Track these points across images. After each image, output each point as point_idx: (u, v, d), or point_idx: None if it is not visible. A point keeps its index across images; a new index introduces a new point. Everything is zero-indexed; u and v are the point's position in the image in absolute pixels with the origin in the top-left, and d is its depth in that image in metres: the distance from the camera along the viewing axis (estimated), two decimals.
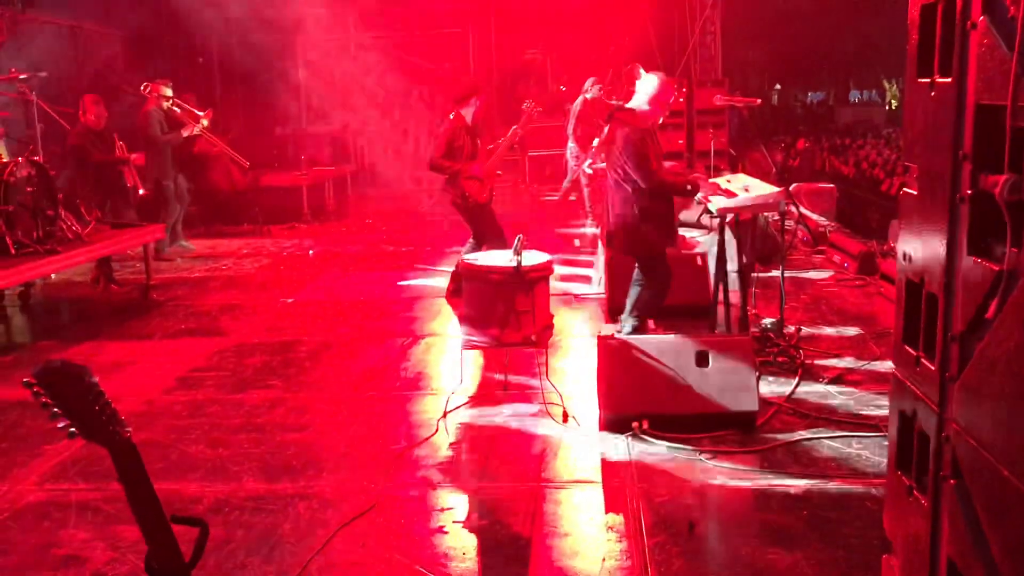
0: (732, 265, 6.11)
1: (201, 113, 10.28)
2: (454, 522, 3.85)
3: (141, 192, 9.24)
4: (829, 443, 4.55)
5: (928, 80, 2.16)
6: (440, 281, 8.31)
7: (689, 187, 5.79)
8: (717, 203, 5.64)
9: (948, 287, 2.06)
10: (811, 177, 13.91)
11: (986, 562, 1.87)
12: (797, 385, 5.36)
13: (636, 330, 5.77)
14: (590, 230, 10.65)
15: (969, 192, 1.97)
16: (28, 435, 4.89)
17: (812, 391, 5.29)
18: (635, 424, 4.67)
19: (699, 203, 6.11)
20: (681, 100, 12.71)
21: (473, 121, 7.42)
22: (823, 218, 10.76)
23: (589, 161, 10.10)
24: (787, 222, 6.81)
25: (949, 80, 2.04)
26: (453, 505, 4.02)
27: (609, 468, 4.37)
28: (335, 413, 5.20)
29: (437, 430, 4.84)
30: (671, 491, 4.07)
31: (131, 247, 8.45)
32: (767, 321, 6.15)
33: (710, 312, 6.24)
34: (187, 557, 1.98)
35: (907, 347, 2.33)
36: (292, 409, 5.26)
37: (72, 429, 1.78)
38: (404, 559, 3.53)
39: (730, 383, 4.72)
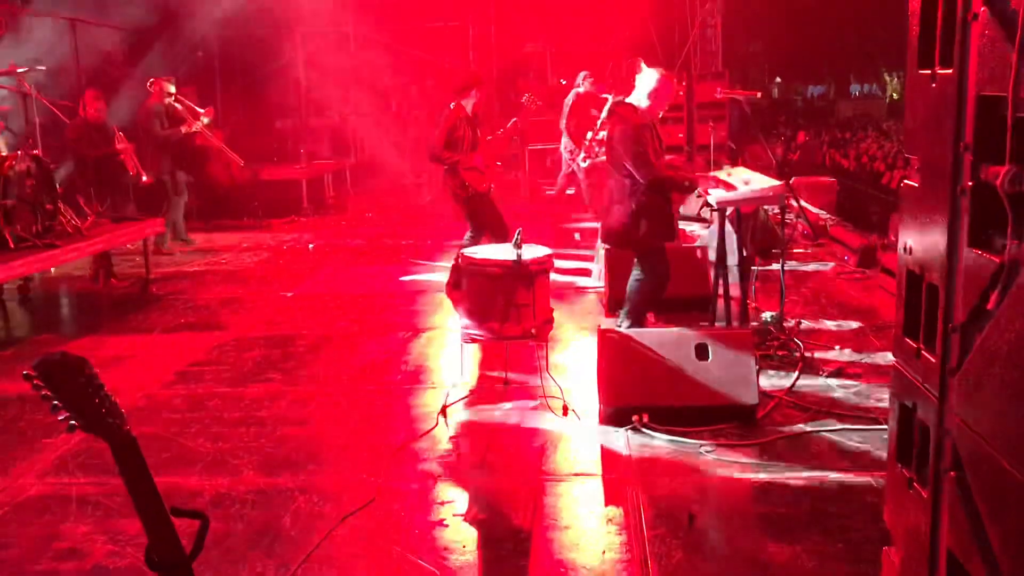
0: (732, 258, 6.10)
1: (202, 111, 10.29)
2: (454, 515, 3.85)
3: (144, 179, 9.25)
4: (829, 436, 4.55)
5: (929, 71, 2.16)
6: (440, 275, 8.31)
7: (687, 183, 5.79)
8: (717, 196, 5.64)
9: (949, 279, 2.05)
10: (811, 171, 13.91)
11: (986, 554, 1.87)
12: (797, 378, 5.36)
13: (635, 324, 5.77)
14: (590, 224, 10.64)
15: (970, 184, 1.97)
16: (28, 429, 4.90)
17: (812, 384, 5.29)
18: (635, 417, 4.67)
19: (699, 196, 6.11)
20: (681, 94, 12.69)
21: (473, 112, 7.42)
22: (823, 211, 10.75)
23: (583, 155, 10.10)
24: (787, 215, 6.80)
25: (950, 71, 2.04)
26: (453, 498, 4.02)
27: (609, 461, 4.37)
28: (335, 407, 5.20)
29: (437, 424, 4.84)
30: (671, 484, 4.07)
31: (131, 241, 8.44)
32: (767, 314, 6.15)
33: (710, 305, 6.24)
34: (188, 550, 1.97)
35: (908, 339, 2.33)
36: (292, 403, 5.26)
37: (72, 422, 1.77)
38: (404, 552, 3.53)
39: (730, 376, 4.72)
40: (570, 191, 11.83)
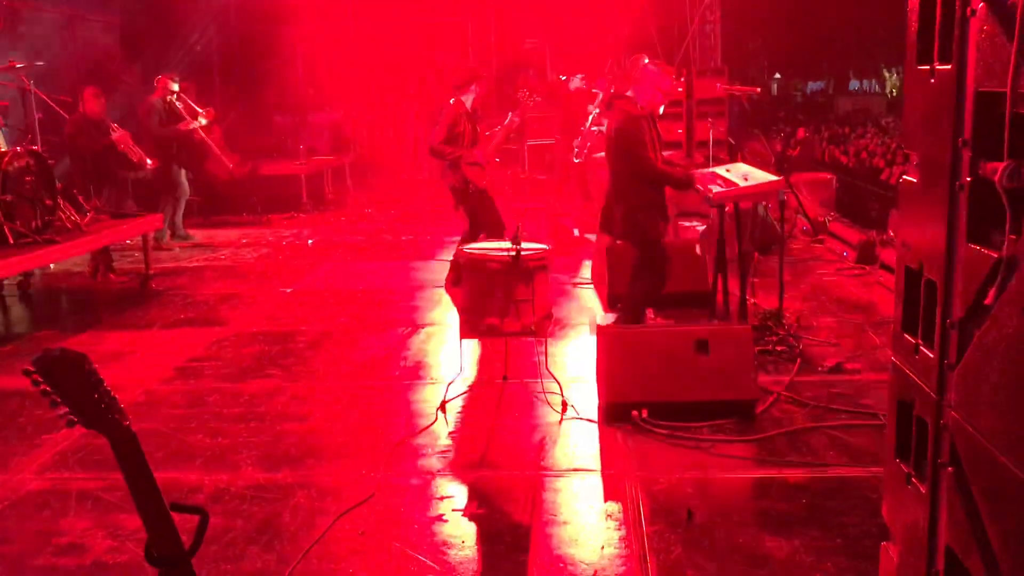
0: (731, 254, 6.11)
1: (201, 111, 10.33)
2: (453, 510, 3.86)
3: (149, 163, 9.27)
4: (828, 431, 4.56)
5: (928, 67, 2.16)
6: (439, 271, 8.30)
7: (685, 178, 5.79)
8: (715, 191, 5.64)
9: (947, 274, 2.06)
10: (811, 166, 13.89)
11: (984, 549, 1.88)
12: (796, 374, 5.37)
13: (634, 320, 5.77)
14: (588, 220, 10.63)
15: (969, 179, 1.97)
16: (28, 424, 4.90)
17: (811, 380, 5.29)
18: (634, 412, 4.68)
19: (698, 192, 6.11)
20: (680, 89, 12.67)
21: (473, 107, 7.42)
22: (822, 207, 10.74)
23: (575, 151, 10.10)
24: (786, 211, 6.80)
25: (949, 67, 2.04)
26: (452, 493, 4.03)
27: (608, 456, 4.38)
28: (334, 402, 5.21)
29: (436, 419, 4.84)
30: (670, 479, 4.08)
31: (130, 237, 8.44)
32: (766, 310, 6.15)
33: (709, 301, 6.24)
34: (187, 545, 1.98)
35: (906, 335, 2.33)
36: (291, 398, 5.26)
37: (72, 417, 1.78)
38: (403, 547, 3.54)
39: (729, 372, 4.73)
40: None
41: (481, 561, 3.48)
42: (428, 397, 5.20)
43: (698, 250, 6.98)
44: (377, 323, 6.86)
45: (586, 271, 8.28)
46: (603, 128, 9.14)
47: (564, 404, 4.94)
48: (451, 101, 7.38)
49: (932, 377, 2.14)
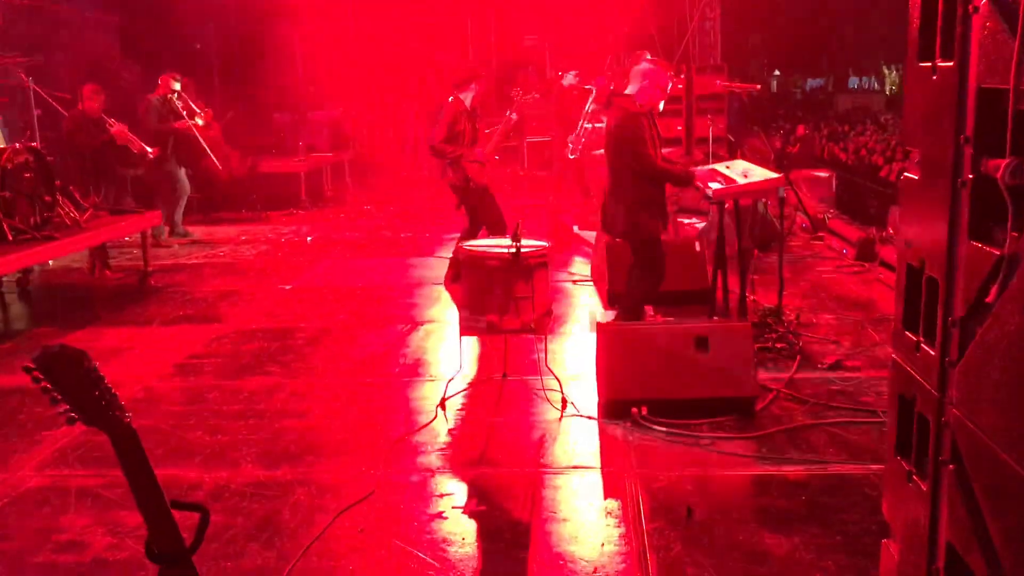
0: (731, 251, 6.11)
1: (199, 112, 10.36)
2: (453, 508, 3.86)
3: (151, 152, 9.28)
4: (828, 429, 4.56)
5: (929, 64, 2.15)
6: (438, 268, 8.30)
7: (684, 175, 5.78)
8: (715, 188, 5.63)
9: (949, 272, 2.05)
10: (810, 163, 13.88)
11: (986, 546, 1.87)
12: (796, 371, 5.37)
13: (634, 317, 5.77)
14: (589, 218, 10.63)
15: (970, 176, 1.96)
16: (27, 422, 4.89)
17: (811, 377, 5.29)
18: (634, 410, 4.67)
19: (698, 189, 6.10)
20: (680, 86, 12.66)
21: (472, 106, 7.42)
22: (822, 204, 10.75)
23: (570, 147, 10.11)
24: (786, 208, 6.79)
25: (951, 64, 2.03)
26: (452, 491, 4.03)
27: (608, 454, 4.38)
28: (334, 399, 5.20)
29: (436, 416, 4.84)
30: (670, 476, 4.08)
31: (129, 234, 8.44)
32: (766, 307, 6.15)
33: (709, 298, 6.24)
34: (187, 543, 1.98)
35: (907, 332, 2.33)
36: (291, 395, 5.26)
37: (72, 414, 1.77)
38: (403, 544, 3.54)
39: (729, 369, 4.73)
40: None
41: (481, 558, 3.48)
42: (427, 394, 5.20)
43: (697, 247, 6.98)
44: (376, 320, 6.86)
45: (586, 268, 8.27)
46: (601, 125, 9.15)
47: (564, 401, 4.94)
48: (450, 99, 7.38)
49: (933, 374, 2.14)
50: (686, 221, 9.03)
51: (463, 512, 3.83)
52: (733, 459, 4.27)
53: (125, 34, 13.02)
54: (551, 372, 5.13)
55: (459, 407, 5.02)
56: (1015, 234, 1.80)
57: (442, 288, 7.71)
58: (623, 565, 3.37)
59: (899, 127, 16.40)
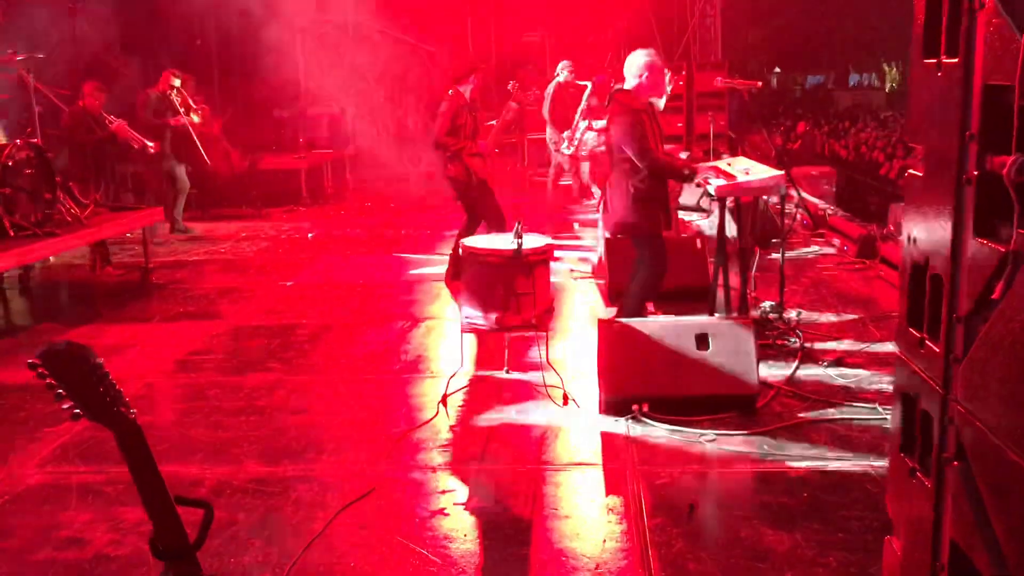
0: (732, 248, 6.10)
1: (196, 108, 10.38)
2: (455, 504, 3.86)
3: (151, 147, 9.28)
4: (829, 425, 4.56)
5: (934, 60, 2.15)
6: (439, 264, 8.30)
7: (687, 171, 5.77)
8: (717, 185, 5.63)
9: (954, 269, 2.05)
10: (811, 160, 13.89)
11: (990, 543, 1.87)
12: (797, 368, 5.37)
13: (635, 313, 5.76)
14: (588, 214, 10.63)
15: (976, 173, 1.96)
16: (28, 418, 4.89)
17: (812, 374, 5.30)
18: (635, 407, 4.67)
19: (699, 186, 6.10)
20: (681, 83, 12.66)
21: (471, 98, 7.41)
22: (822, 201, 10.75)
23: (566, 143, 10.11)
24: (787, 205, 6.79)
25: (956, 60, 2.03)
26: (453, 487, 4.03)
27: (609, 450, 4.38)
28: (335, 396, 5.20)
29: (437, 413, 4.84)
30: (671, 473, 4.08)
31: (130, 230, 8.43)
32: (767, 304, 6.15)
33: (710, 295, 6.23)
34: (191, 539, 1.98)
35: (911, 329, 2.33)
36: (292, 392, 5.26)
37: (77, 410, 1.77)
38: (405, 541, 3.54)
39: (730, 366, 4.72)
40: (564, 181, 11.81)
41: (482, 555, 3.47)
42: (429, 391, 5.20)
43: (699, 244, 6.98)
44: (377, 317, 6.86)
45: (586, 265, 8.27)
46: (601, 122, 9.15)
47: (565, 398, 4.94)
48: (450, 93, 7.38)
49: (938, 371, 2.14)
50: (687, 219, 9.02)
51: (464, 509, 3.83)
52: (734, 456, 4.27)
53: (125, 30, 12.99)
54: (552, 369, 5.13)
55: (460, 404, 5.02)
56: (1021, 231, 1.79)
57: (442, 285, 7.71)
58: (625, 562, 3.37)
59: (900, 124, 16.41)
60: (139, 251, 8.64)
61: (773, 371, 5.31)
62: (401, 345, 6.12)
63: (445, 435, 4.60)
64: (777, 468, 4.12)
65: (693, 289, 6.56)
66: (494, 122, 7.93)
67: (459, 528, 3.65)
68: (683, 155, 8.93)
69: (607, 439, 4.50)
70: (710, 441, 4.41)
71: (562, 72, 11.17)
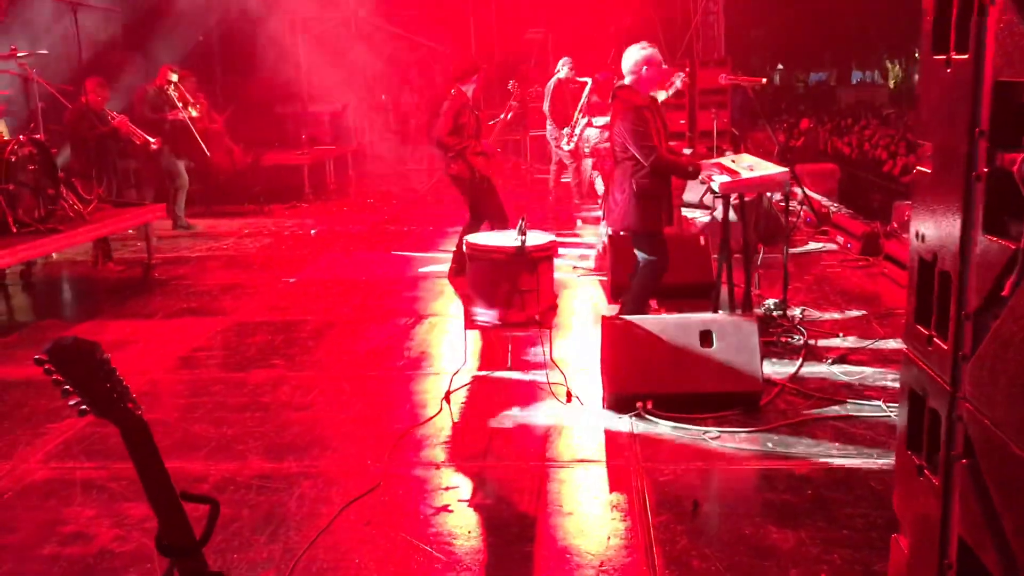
0: (736, 245, 6.09)
1: (193, 102, 10.38)
2: (459, 501, 3.85)
3: (153, 142, 9.29)
4: (833, 423, 4.56)
5: (944, 57, 2.14)
6: (442, 261, 8.30)
7: (691, 168, 5.76)
8: (721, 182, 5.62)
9: (963, 265, 2.04)
10: (814, 157, 13.88)
11: (999, 540, 1.87)
12: (801, 365, 5.36)
13: (638, 310, 5.76)
14: (591, 211, 10.63)
15: (986, 170, 1.95)
16: (32, 414, 4.89)
17: (816, 371, 5.29)
18: (639, 404, 4.67)
19: (703, 183, 6.09)
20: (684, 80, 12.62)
21: (474, 97, 7.41)
22: (825, 198, 10.73)
23: (565, 139, 10.10)
24: (791, 202, 6.78)
25: (966, 57, 2.02)
26: (457, 484, 4.02)
27: (613, 447, 4.38)
28: (339, 392, 5.20)
29: (440, 410, 4.84)
30: (675, 470, 4.08)
31: (132, 226, 8.43)
32: (770, 301, 6.14)
33: (713, 292, 6.23)
34: (196, 535, 1.97)
35: (919, 326, 2.32)
36: (295, 388, 5.26)
37: (83, 407, 1.77)
38: (409, 538, 3.54)
39: (734, 363, 4.72)
40: (565, 179, 11.80)
41: (487, 552, 3.47)
42: (432, 387, 5.20)
43: (702, 241, 6.97)
44: (380, 313, 6.86)
45: (590, 261, 8.26)
46: (604, 119, 9.14)
47: (568, 395, 4.94)
48: (452, 92, 7.37)
49: (946, 369, 2.13)
50: (691, 215, 9.01)
51: (468, 505, 3.83)
52: (739, 453, 4.26)
53: (128, 26, 12.99)
54: (556, 366, 5.12)
55: (464, 400, 5.02)
56: None
57: (445, 281, 7.71)
58: (629, 559, 3.37)
59: (903, 121, 16.38)
60: (141, 247, 8.64)
61: (777, 368, 5.31)
62: (404, 342, 6.12)
63: (448, 432, 4.60)
64: (781, 465, 4.11)
65: (696, 286, 6.55)
66: (499, 118, 7.92)
67: (463, 525, 3.65)
68: (686, 151, 8.92)
69: (611, 436, 4.50)
70: (714, 438, 4.40)
71: (562, 68, 11.17)
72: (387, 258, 8.87)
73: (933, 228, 2.21)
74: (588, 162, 11.06)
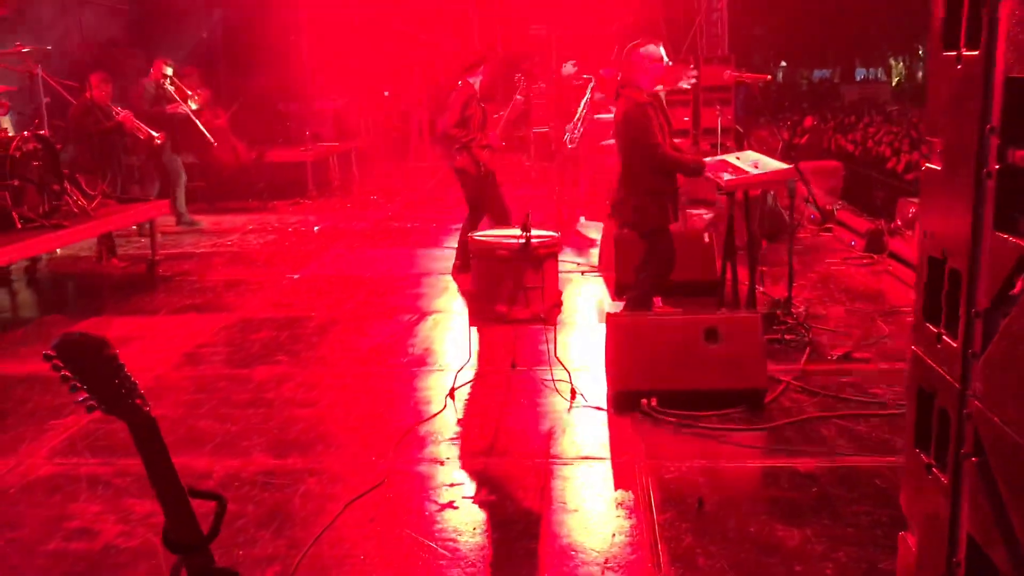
0: (740, 242, 6.09)
1: (192, 94, 10.36)
2: (463, 498, 3.85)
3: (158, 137, 9.29)
4: (837, 420, 4.55)
5: (954, 53, 2.13)
6: (446, 257, 8.29)
7: (695, 165, 5.75)
8: (726, 179, 5.61)
9: (973, 263, 2.03)
10: (817, 155, 13.85)
11: (1008, 538, 1.86)
12: (805, 363, 5.35)
13: (642, 307, 5.75)
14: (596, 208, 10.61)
15: (996, 167, 1.94)
16: (36, 410, 4.89)
17: (821, 369, 5.28)
18: (644, 401, 4.66)
19: (708, 179, 6.08)
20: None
21: (480, 90, 7.40)
22: (830, 196, 10.71)
23: (568, 136, 10.09)
24: (795, 199, 6.76)
25: (976, 53, 2.01)
26: (462, 481, 4.02)
27: (617, 444, 4.37)
28: (343, 389, 5.20)
29: (445, 406, 4.84)
30: (680, 468, 4.07)
31: (136, 222, 8.44)
32: (775, 299, 6.13)
33: (718, 289, 6.22)
34: (203, 530, 1.97)
35: (928, 324, 2.31)
36: (300, 385, 5.26)
37: (91, 403, 1.76)
38: (414, 534, 3.54)
39: (739, 360, 4.71)
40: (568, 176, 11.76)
41: (491, 548, 3.47)
42: (436, 384, 5.19)
43: (706, 238, 6.96)
44: (384, 310, 6.85)
45: (594, 259, 8.25)
46: (607, 116, 9.13)
47: (573, 392, 4.93)
48: (459, 83, 7.36)
49: (955, 366, 2.12)
50: (694, 212, 9.00)
51: (473, 502, 3.82)
52: (743, 450, 4.26)
53: (132, 22, 13.00)
54: (560, 363, 5.12)
55: (468, 397, 5.02)
56: None
57: (449, 278, 7.71)
58: (634, 556, 3.37)
59: (906, 119, 16.35)
60: (145, 243, 8.64)
61: (781, 366, 5.29)
62: (408, 338, 6.12)
63: (453, 428, 4.60)
64: (786, 463, 4.10)
65: (701, 283, 6.55)
66: (501, 113, 7.90)
67: (468, 521, 3.65)
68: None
69: (615, 433, 4.50)
70: (719, 436, 4.40)
71: (565, 66, 11.16)
72: (391, 254, 8.87)
73: (942, 225, 2.20)
74: (592, 159, 11.04)
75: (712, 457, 4.20)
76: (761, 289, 6.52)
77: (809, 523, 3.54)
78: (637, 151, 5.54)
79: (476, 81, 7.32)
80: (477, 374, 5.35)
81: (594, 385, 5.03)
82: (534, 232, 4.80)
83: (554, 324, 5.17)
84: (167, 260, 8.64)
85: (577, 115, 10.17)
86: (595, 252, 8.41)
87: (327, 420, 4.73)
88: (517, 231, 4.84)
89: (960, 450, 2.10)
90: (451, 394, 4.95)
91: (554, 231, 5.10)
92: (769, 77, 7.54)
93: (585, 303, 6.94)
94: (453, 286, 7.47)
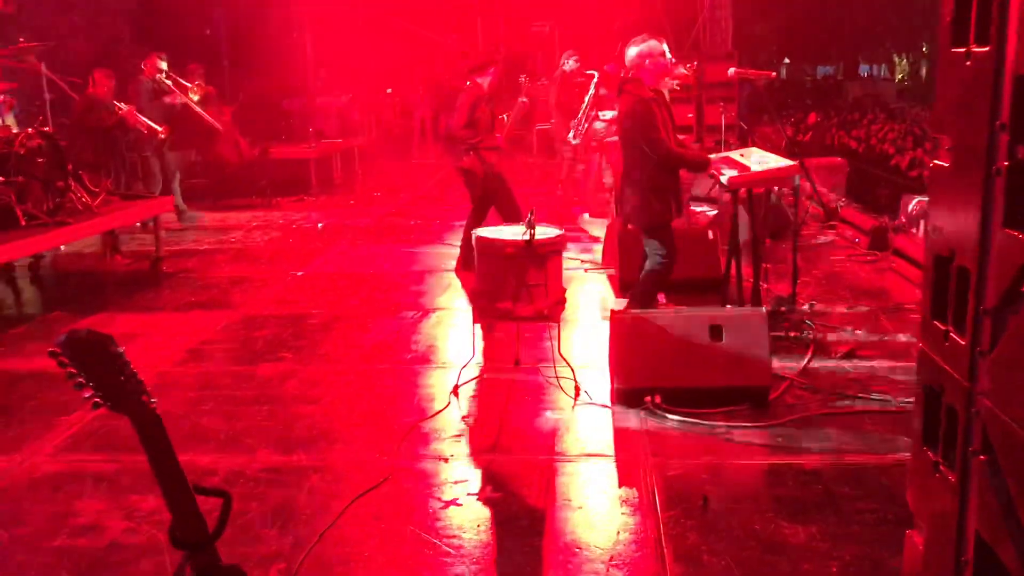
0: (744, 240, 6.07)
1: (190, 85, 10.35)
2: (467, 495, 3.85)
3: (160, 131, 9.29)
4: (842, 418, 4.54)
5: (963, 49, 2.12)
6: (449, 255, 8.29)
7: (699, 161, 5.74)
8: (730, 176, 5.60)
9: (981, 261, 2.02)
10: (821, 152, 13.82)
11: (1017, 536, 1.85)
12: (810, 360, 5.34)
13: (646, 305, 5.74)
14: (599, 205, 10.59)
15: (1006, 163, 1.93)
16: (41, 407, 4.89)
17: (824, 366, 5.27)
18: (648, 398, 4.66)
19: (711, 176, 6.07)
20: (686, 72, 12.58)
21: (488, 91, 7.39)
22: (834, 193, 10.70)
23: (572, 133, 10.07)
24: (799, 197, 6.75)
25: (986, 49, 2.00)
26: (466, 478, 4.02)
27: (622, 442, 4.37)
28: (347, 386, 5.20)
29: (449, 403, 4.84)
30: (684, 465, 4.06)
31: (141, 219, 8.44)
32: (779, 296, 6.12)
33: (722, 286, 6.21)
34: (209, 528, 1.97)
35: (935, 322, 2.30)
36: (304, 381, 5.26)
37: (97, 400, 1.76)
38: (418, 531, 3.54)
39: (743, 357, 4.70)
40: (572, 173, 11.75)
41: (496, 545, 3.47)
42: (440, 381, 5.19)
43: (710, 235, 6.95)
44: (387, 307, 6.85)
45: (598, 256, 8.24)
46: (610, 113, 9.12)
47: (577, 389, 4.92)
48: (468, 84, 7.34)
49: (963, 364, 2.11)
50: (698, 209, 8.99)
51: (478, 499, 3.82)
52: (748, 448, 4.25)
53: (136, 19, 13.00)
54: (564, 360, 5.11)
55: (472, 394, 5.02)
56: None
57: (452, 275, 7.70)
58: (638, 553, 3.36)
59: (910, 116, 16.31)
60: (148, 240, 8.64)
61: (786, 363, 5.29)
62: (412, 335, 6.12)
63: (457, 425, 4.60)
64: (791, 460, 4.10)
65: (705, 280, 6.54)
66: (506, 116, 7.89)
67: (472, 518, 3.64)
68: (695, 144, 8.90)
69: (619, 431, 4.49)
70: (723, 433, 4.39)
71: (567, 62, 11.12)
72: (394, 251, 8.86)
73: (950, 223, 2.19)
74: (596, 156, 11.02)
75: (717, 454, 4.19)
76: (765, 286, 6.51)
77: (814, 521, 3.54)
78: (641, 147, 5.52)
79: (485, 82, 7.31)
80: (481, 371, 5.35)
81: (598, 382, 5.02)
82: (537, 229, 4.80)
83: (558, 321, 5.16)
84: (171, 257, 8.64)
85: (581, 111, 10.15)
86: (599, 249, 8.39)
87: (331, 417, 4.73)
88: (521, 228, 4.84)
89: (968, 448, 2.09)
90: (455, 391, 4.95)
91: (557, 228, 5.09)
92: (773, 74, 7.53)
93: (589, 300, 6.93)
94: (456, 283, 7.47)
